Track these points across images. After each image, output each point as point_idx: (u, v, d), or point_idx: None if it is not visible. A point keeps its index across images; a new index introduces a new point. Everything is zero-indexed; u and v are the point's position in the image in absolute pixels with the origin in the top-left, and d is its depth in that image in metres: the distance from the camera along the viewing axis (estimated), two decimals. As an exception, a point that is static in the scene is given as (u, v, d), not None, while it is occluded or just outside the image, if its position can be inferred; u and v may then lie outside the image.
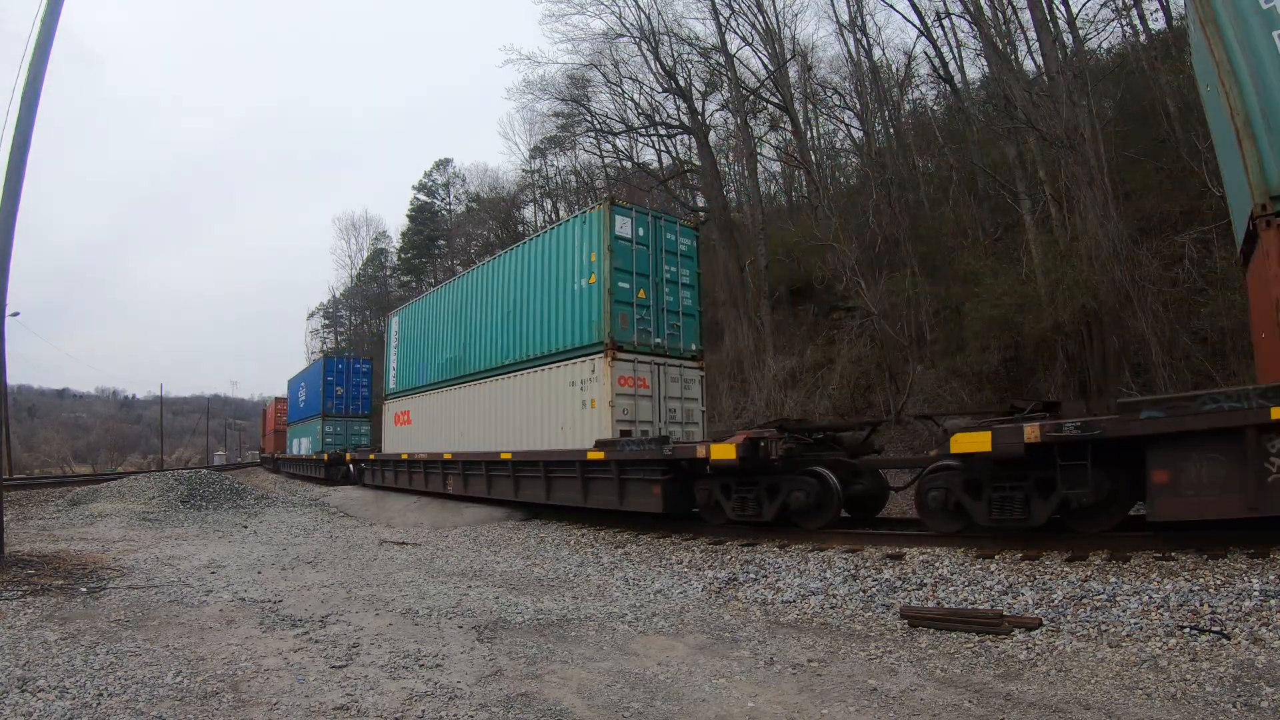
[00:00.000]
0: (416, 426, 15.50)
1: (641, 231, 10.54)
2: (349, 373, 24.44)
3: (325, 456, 22.42)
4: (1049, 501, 6.30)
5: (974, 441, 6.57)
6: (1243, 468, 5.39)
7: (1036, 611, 4.83)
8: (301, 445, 26.23)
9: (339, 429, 23.79)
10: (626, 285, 10.13)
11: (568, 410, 10.49)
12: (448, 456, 13.51)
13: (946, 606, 5.20)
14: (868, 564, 6.47)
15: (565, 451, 10.30)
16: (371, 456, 18.49)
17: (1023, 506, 6.46)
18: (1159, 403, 6.17)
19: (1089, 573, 5.30)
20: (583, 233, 10.59)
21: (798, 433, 8.78)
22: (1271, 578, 4.58)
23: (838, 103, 24.04)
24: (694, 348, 11.10)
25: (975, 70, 20.59)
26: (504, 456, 11.56)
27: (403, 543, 10.07)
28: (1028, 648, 4.31)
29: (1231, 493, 5.45)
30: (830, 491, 7.96)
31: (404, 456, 15.59)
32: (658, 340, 10.48)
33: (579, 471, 10.08)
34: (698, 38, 24.60)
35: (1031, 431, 6.22)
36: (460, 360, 13.77)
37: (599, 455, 9.48)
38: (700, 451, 8.44)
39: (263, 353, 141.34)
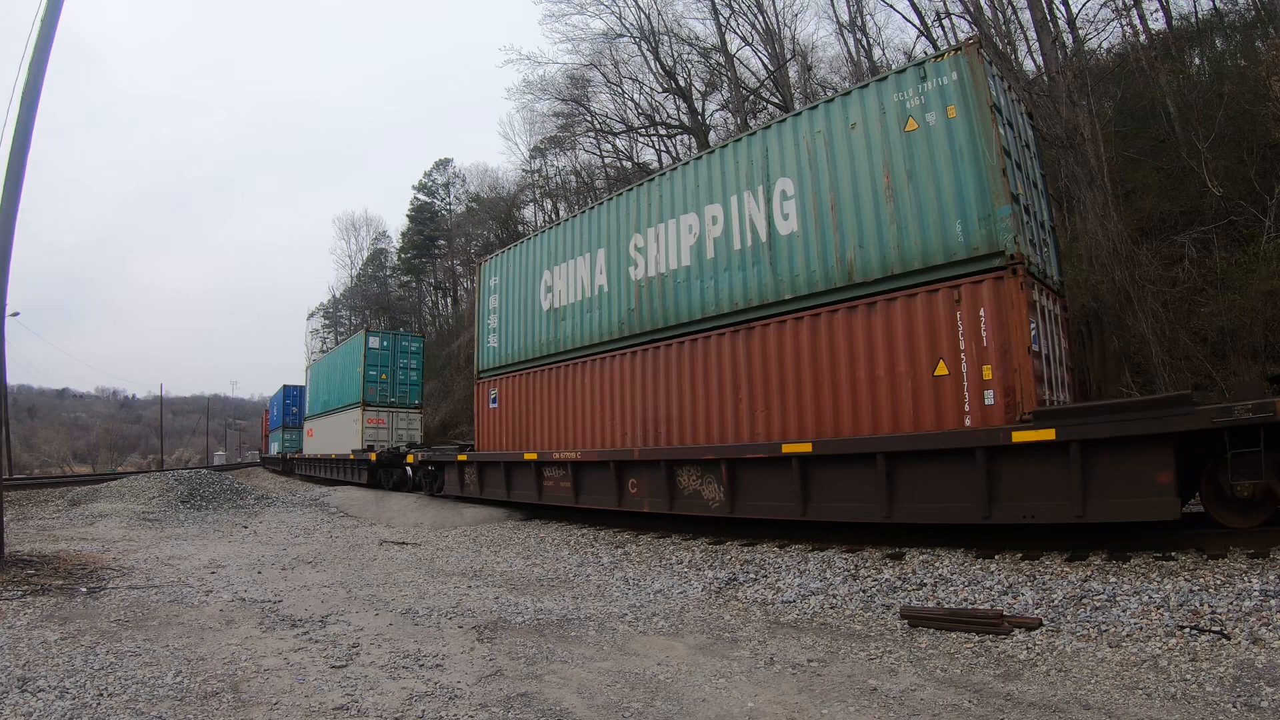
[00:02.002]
0: (315, 437, 25.19)
1: (385, 344, 20.50)
2: (300, 396, 32.03)
3: (281, 455, 32.44)
4: (437, 484, 14.69)
5: (411, 459, 15.84)
6: (533, 479, 11.32)
7: (1036, 611, 4.83)
8: (274, 447, 35.22)
9: (294, 436, 31.25)
10: (374, 372, 19.88)
11: (352, 434, 19.77)
12: (319, 456, 24.04)
13: (946, 606, 5.20)
14: (868, 564, 6.47)
15: (344, 455, 20.31)
16: (297, 456, 29.25)
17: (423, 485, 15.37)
18: (463, 449, 14.05)
19: (1089, 573, 5.30)
20: (357, 344, 20.62)
21: (423, 448, 17.20)
22: (1271, 578, 4.58)
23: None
24: (416, 402, 20.72)
25: (975, 70, 20.55)
26: (333, 456, 21.72)
27: (403, 543, 10.08)
28: (1028, 648, 4.31)
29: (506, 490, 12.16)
30: (406, 476, 16.63)
31: (306, 456, 26.74)
32: (392, 399, 20.12)
33: (350, 465, 19.96)
34: (698, 38, 24.67)
35: (411, 457, 16.08)
36: (327, 401, 23.35)
37: (351, 457, 19.50)
38: (370, 456, 17.90)
39: (263, 353, 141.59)
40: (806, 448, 7.27)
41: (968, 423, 6.41)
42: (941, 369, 6.61)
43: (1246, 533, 5.38)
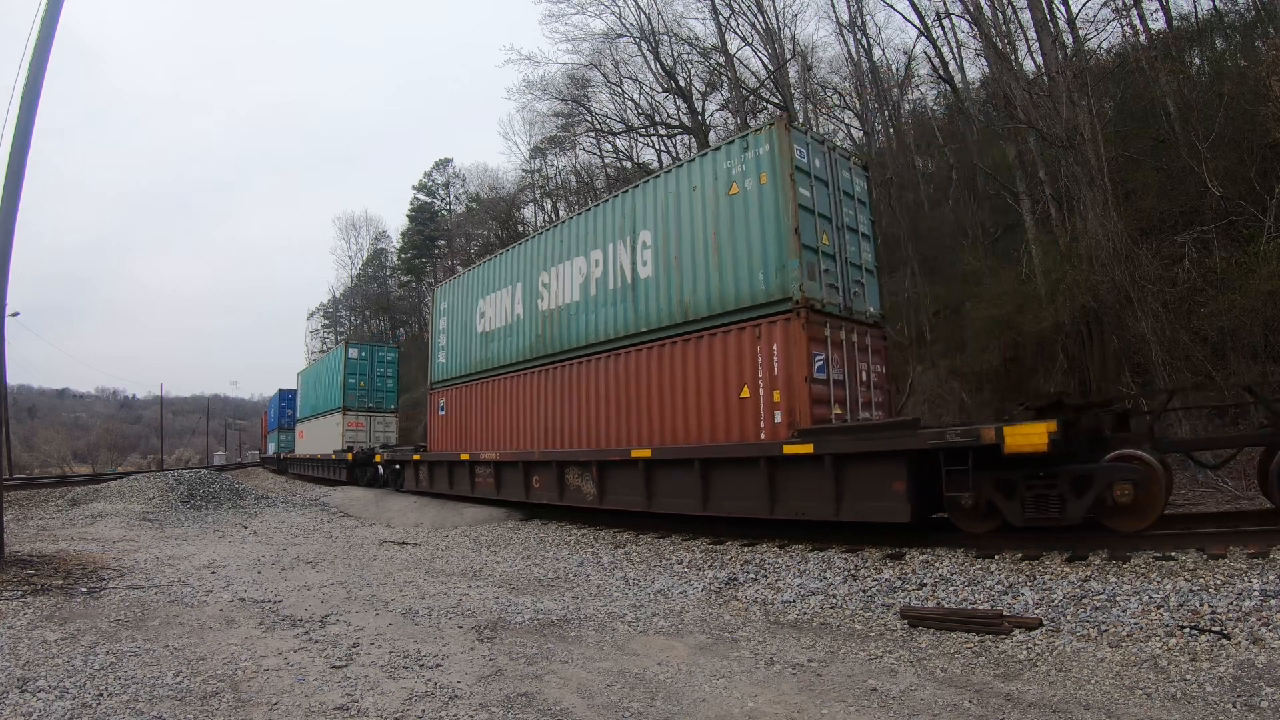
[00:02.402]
0: (305, 439, 27.47)
1: (364, 354, 22.74)
2: (294, 400, 34.11)
3: (276, 455, 35.01)
4: (399, 480, 16.30)
5: (379, 459, 18.03)
6: (467, 475, 13.13)
7: (1036, 611, 4.83)
8: (271, 447, 38.44)
9: (288, 437, 33.52)
10: (354, 380, 22.20)
11: (335, 435, 21.92)
12: (307, 456, 26.48)
13: (946, 606, 5.20)
14: (868, 564, 6.47)
15: (327, 455, 22.40)
16: (289, 455, 31.00)
17: (390, 481, 17.26)
18: (418, 449, 16.39)
19: (1089, 573, 5.30)
20: (338, 355, 23.16)
21: (393, 449, 19.32)
22: (1271, 578, 4.58)
23: (838, 103, 24.05)
24: (391, 407, 22.78)
25: (975, 70, 20.60)
26: (319, 456, 23.85)
27: (403, 543, 10.08)
28: (1028, 648, 4.31)
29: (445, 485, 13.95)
30: (377, 473, 18.12)
31: (298, 456, 28.85)
32: (370, 404, 22.33)
33: (333, 464, 21.81)
34: (698, 38, 24.67)
35: (379, 457, 18.41)
36: (315, 405, 25.60)
37: (331, 456, 21.65)
38: (348, 455, 19.78)
39: (263, 353, 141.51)
40: (647, 453, 8.85)
41: (762, 437, 7.69)
42: (745, 392, 7.97)
43: (979, 537, 6.48)
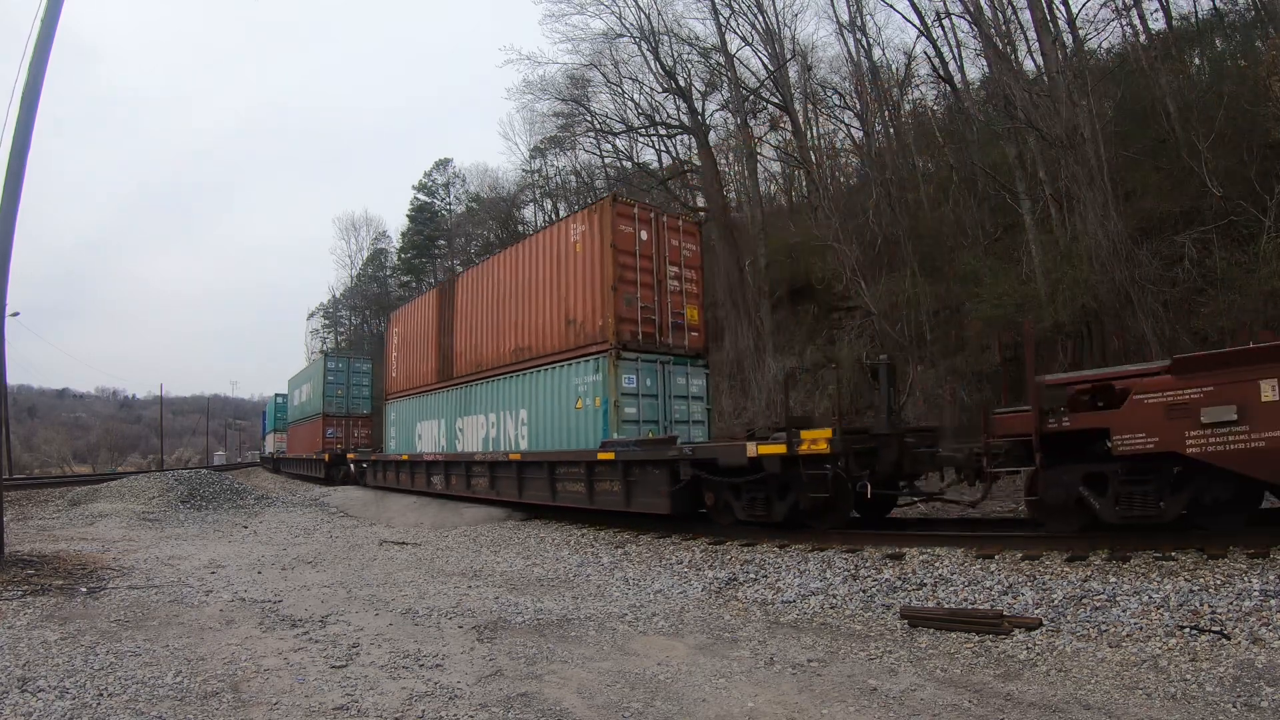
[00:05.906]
0: (268, 446, 39.65)
1: (282, 399, 36.82)
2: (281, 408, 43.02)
3: (259, 455, 47.74)
4: (281, 469, 37.13)
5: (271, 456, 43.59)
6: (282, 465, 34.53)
7: (1036, 611, 4.83)
8: (268, 448, 48.93)
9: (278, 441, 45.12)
10: (280, 415, 37.43)
11: (270, 445, 41.26)
12: (264, 455, 42.93)
13: (946, 606, 5.19)
14: (868, 564, 6.47)
15: (266, 455, 43.92)
16: (263, 455, 43.39)
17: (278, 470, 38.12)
18: (280, 451, 38.61)
19: (1089, 573, 5.30)
20: (272, 404, 42.09)
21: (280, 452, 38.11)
22: (1271, 578, 4.58)
23: (838, 103, 23.96)
24: (276, 428, 38.80)
25: (975, 70, 20.52)
26: (263, 456, 45.45)
27: (403, 543, 10.08)
28: (1028, 648, 4.31)
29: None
30: (277, 468, 38.03)
31: (263, 456, 42.76)
32: (279, 428, 38.80)
33: (267, 459, 41.89)
34: (698, 38, 24.62)
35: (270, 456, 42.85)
36: (269, 427, 40.00)
37: (267, 455, 44.43)
38: (267, 457, 43.53)
39: (263, 353, 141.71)
40: (328, 457, 23.84)
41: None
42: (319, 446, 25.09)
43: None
